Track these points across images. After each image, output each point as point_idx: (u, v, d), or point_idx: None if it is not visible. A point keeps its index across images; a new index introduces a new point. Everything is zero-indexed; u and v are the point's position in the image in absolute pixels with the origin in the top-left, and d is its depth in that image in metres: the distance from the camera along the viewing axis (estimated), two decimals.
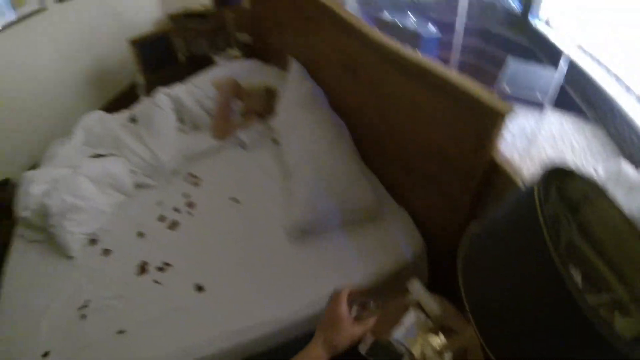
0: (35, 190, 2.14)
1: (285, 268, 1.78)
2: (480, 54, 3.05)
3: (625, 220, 0.73)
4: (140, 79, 3.45)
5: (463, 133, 1.33)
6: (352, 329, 0.89)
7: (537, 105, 2.06)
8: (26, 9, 3.27)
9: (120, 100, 3.98)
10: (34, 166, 3.43)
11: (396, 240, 1.76)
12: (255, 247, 1.87)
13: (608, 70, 2.04)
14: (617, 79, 1.98)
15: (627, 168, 1.38)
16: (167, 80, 3.34)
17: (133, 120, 2.58)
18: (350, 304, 0.93)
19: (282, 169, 2.19)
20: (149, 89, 3.33)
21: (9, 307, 1.89)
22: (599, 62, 2.12)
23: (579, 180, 0.76)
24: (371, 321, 0.93)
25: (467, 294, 0.82)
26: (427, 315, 1.38)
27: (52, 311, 1.83)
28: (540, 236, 0.61)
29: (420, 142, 1.62)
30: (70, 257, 2.02)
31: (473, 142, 1.29)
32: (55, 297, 1.87)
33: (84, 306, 1.80)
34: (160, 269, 1.84)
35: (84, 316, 1.77)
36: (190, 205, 2.09)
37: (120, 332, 1.69)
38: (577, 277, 0.73)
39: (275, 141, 2.38)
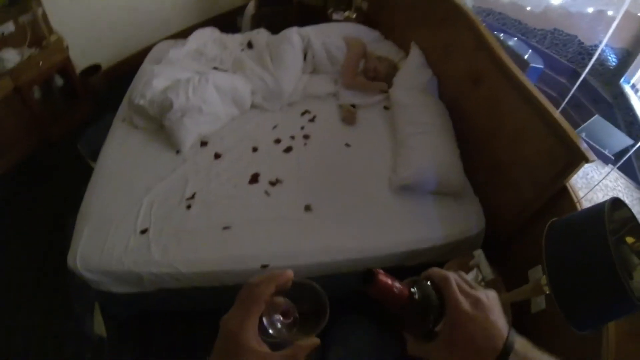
0: (157, 83, 2.28)
1: (381, 211, 1.95)
2: (566, 93, 3.13)
3: None
4: (251, 9, 3.54)
5: (553, 160, 1.64)
6: None
7: (604, 159, 2.42)
8: None
9: (218, 21, 4.07)
10: (128, 57, 3.59)
11: (467, 218, 1.98)
12: (359, 186, 2.04)
13: None
14: None
15: None
16: (276, 17, 3.45)
17: (250, 45, 2.71)
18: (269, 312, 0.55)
19: (390, 132, 2.34)
20: (258, 20, 3.44)
21: (109, 179, 2.05)
22: None
23: (628, 210, 1.17)
24: (302, 347, 0.54)
25: (547, 256, 1.19)
26: (483, 277, 1.79)
27: (155, 194, 1.98)
28: (603, 230, 1.04)
29: (514, 154, 1.88)
30: (177, 152, 2.17)
31: (559, 169, 1.61)
32: (159, 182, 2.02)
33: (191, 197, 1.95)
34: (272, 183, 2.00)
35: (189, 206, 1.92)
36: (306, 137, 2.24)
37: (226, 227, 1.84)
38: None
39: (386, 108, 2.50)
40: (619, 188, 2.31)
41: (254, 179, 2.02)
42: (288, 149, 2.17)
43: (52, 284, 2.33)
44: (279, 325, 0.55)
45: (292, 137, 2.24)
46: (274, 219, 1.88)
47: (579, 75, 3.07)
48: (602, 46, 2.91)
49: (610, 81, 3.08)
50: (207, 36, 2.82)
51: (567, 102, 2.75)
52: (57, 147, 3.05)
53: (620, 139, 2.52)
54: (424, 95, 2.38)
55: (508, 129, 1.90)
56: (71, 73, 3.03)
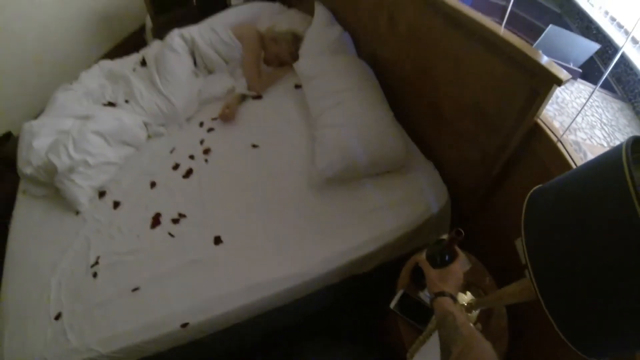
0: (39, 143, 1.96)
1: (309, 219, 1.63)
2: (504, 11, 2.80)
3: None
4: (149, 21, 3.17)
5: (510, 93, 1.28)
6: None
7: (572, 74, 1.99)
8: None
9: (128, 45, 3.72)
10: (37, 117, 3.27)
11: (423, 193, 1.65)
12: (276, 195, 1.72)
13: None
14: None
15: None
16: (178, 23, 3.07)
17: (143, 63, 2.35)
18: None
19: (304, 115, 1.99)
20: (159, 32, 3.06)
21: (18, 267, 1.77)
22: (633, 40, 2.05)
23: None
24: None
25: (528, 245, 0.81)
26: None
27: (61, 270, 1.71)
28: (627, 194, 0.60)
29: (459, 99, 1.54)
30: (78, 212, 1.87)
31: (520, 103, 1.24)
32: (63, 255, 1.74)
33: (95, 263, 1.67)
34: (175, 221, 1.68)
35: (95, 274, 1.64)
36: (206, 151, 1.89)
37: (135, 289, 1.56)
38: None
39: (297, 86, 2.15)
40: (597, 103, 2.00)
41: (156, 221, 1.70)
42: (188, 173, 1.83)
43: None
44: None
45: (192, 157, 1.89)
46: (183, 265, 1.57)
47: None
48: None
49: None
50: (99, 69, 2.45)
51: (507, 22, 2.40)
52: None
53: (584, 46, 2.11)
54: (334, 58, 2.01)
55: (442, 67, 1.55)
56: None
